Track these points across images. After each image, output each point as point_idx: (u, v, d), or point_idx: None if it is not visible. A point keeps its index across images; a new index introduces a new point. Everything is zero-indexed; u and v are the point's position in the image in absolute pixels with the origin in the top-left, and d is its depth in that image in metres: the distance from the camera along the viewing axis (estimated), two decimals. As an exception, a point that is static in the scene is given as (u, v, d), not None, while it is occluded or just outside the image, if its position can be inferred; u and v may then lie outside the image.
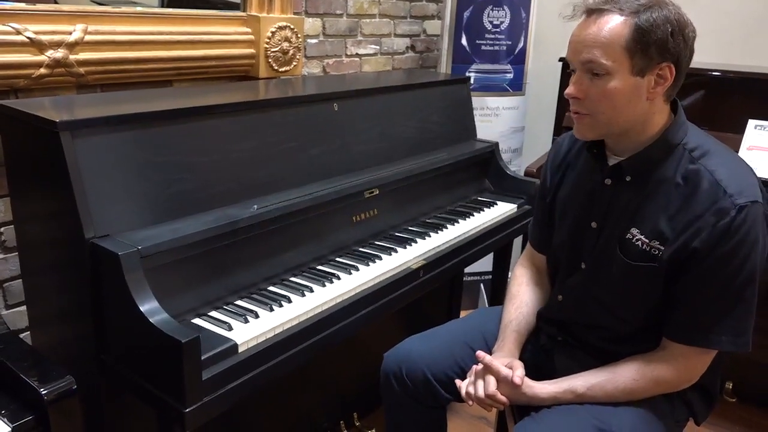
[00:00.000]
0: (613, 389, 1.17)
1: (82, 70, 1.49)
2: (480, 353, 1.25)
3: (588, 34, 1.09)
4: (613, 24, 1.07)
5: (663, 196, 1.14)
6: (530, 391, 1.20)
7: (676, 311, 1.15)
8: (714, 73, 2.16)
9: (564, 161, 1.36)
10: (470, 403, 1.26)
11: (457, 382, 1.29)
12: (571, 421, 1.15)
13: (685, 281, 1.12)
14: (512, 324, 1.35)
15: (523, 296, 1.40)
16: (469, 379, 1.26)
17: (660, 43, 1.06)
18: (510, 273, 1.53)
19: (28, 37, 1.39)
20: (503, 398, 1.21)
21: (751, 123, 2.06)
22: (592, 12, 1.10)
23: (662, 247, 1.13)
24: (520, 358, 1.29)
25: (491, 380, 1.21)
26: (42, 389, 0.98)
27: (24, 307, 1.51)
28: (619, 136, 1.16)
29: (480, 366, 1.24)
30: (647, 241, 1.15)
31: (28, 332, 1.50)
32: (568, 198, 1.32)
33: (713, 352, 1.17)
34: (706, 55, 2.05)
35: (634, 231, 1.16)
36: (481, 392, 1.22)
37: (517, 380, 1.19)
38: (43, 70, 1.42)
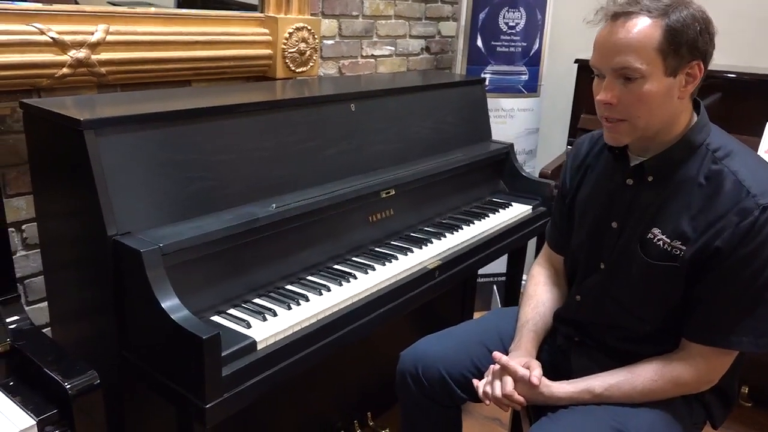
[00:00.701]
0: (631, 389, 1.17)
1: (103, 69, 1.51)
2: (497, 354, 1.26)
3: (618, 39, 1.07)
4: (643, 26, 1.06)
5: (685, 196, 1.14)
6: (548, 391, 1.20)
7: (696, 311, 1.15)
8: (730, 75, 2.15)
9: (584, 162, 1.36)
10: (487, 402, 1.26)
11: (475, 381, 1.29)
12: (588, 421, 1.15)
13: (706, 281, 1.12)
14: (529, 323, 1.35)
15: (540, 296, 1.40)
16: (487, 378, 1.27)
17: (691, 43, 1.06)
18: (525, 274, 1.53)
19: (51, 37, 1.41)
20: (520, 398, 1.21)
21: (770, 125, 2.04)
22: (618, 16, 1.08)
23: (684, 247, 1.13)
24: (537, 359, 1.29)
25: (508, 380, 1.22)
26: (66, 383, 0.99)
27: (44, 304, 1.53)
28: (648, 139, 1.16)
29: (497, 366, 1.25)
30: (669, 241, 1.14)
31: (49, 328, 1.51)
32: (588, 199, 1.32)
33: (734, 353, 1.16)
34: (720, 57, 2.04)
35: (656, 231, 1.16)
36: (498, 392, 1.22)
37: (534, 380, 1.19)
38: (65, 70, 1.44)
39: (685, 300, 1.16)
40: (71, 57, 1.45)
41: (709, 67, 1.15)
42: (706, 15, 1.09)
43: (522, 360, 1.25)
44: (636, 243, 1.19)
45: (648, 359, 1.20)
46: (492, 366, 1.26)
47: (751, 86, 2.14)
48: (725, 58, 2.28)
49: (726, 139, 1.17)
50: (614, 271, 1.24)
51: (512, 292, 2.21)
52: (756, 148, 2.02)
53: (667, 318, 1.19)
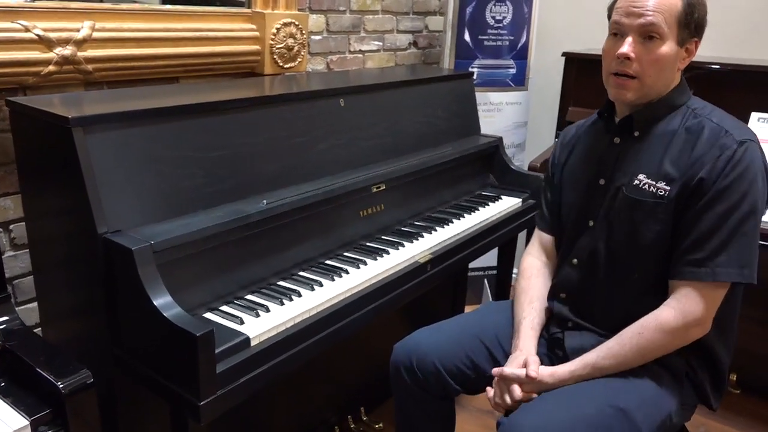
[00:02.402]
0: (621, 350, 1.21)
1: (89, 67, 1.50)
2: (495, 370, 1.29)
3: (649, 1, 1.18)
4: None
5: (667, 144, 1.23)
6: (551, 378, 1.23)
7: (680, 249, 1.19)
8: (715, 66, 2.17)
9: (573, 138, 1.45)
10: (500, 411, 1.29)
11: (488, 390, 1.31)
12: (582, 398, 1.18)
13: (687, 218, 1.18)
14: (526, 320, 1.36)
15: (533, 290, 1.42)
16: (495, 390, 1.29)
17: (698, 21, 1.21)
18: (515, 267, 1.55)
19: (36, 35, 1.39)
20: (529, 395, 1.23)
21: (754, 116, 2.06)
22: None
23: (668, 188, 1.20)
24: None
25: (515, 388, 1.24)
26: (59, 383, 0.98)
27: (34, 305, 1.52)
28: (643, 104, 1.25)
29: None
30: (654, 183, 1.22)
31: (39, 329, 1.50)
32: (578, 165, 1.39)
33: (718, 291, 1.18)
34: (710, 49, 2.06)
35: (641, 176, 1.24)
36: (509, 401, 1.25)
37: (532, 374, 1.22)
38: (51, 68, 1.43)
39: (672, 247, 1.21)
40: (57, 54, 1.43)
41: (696, 58, 1.26)
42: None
43: (520, 361, 1.26)
44: (622, 191, 1.26)
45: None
46: (496, 378, 1.29)
47: (737, 77, 2.16)
48: (711, 49, 2.30)
49: (705, 103, 1.28)
50: (603, 224, 1.30)
51: (503, 285, 2.22)
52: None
53: (658, 272, 1.22)
